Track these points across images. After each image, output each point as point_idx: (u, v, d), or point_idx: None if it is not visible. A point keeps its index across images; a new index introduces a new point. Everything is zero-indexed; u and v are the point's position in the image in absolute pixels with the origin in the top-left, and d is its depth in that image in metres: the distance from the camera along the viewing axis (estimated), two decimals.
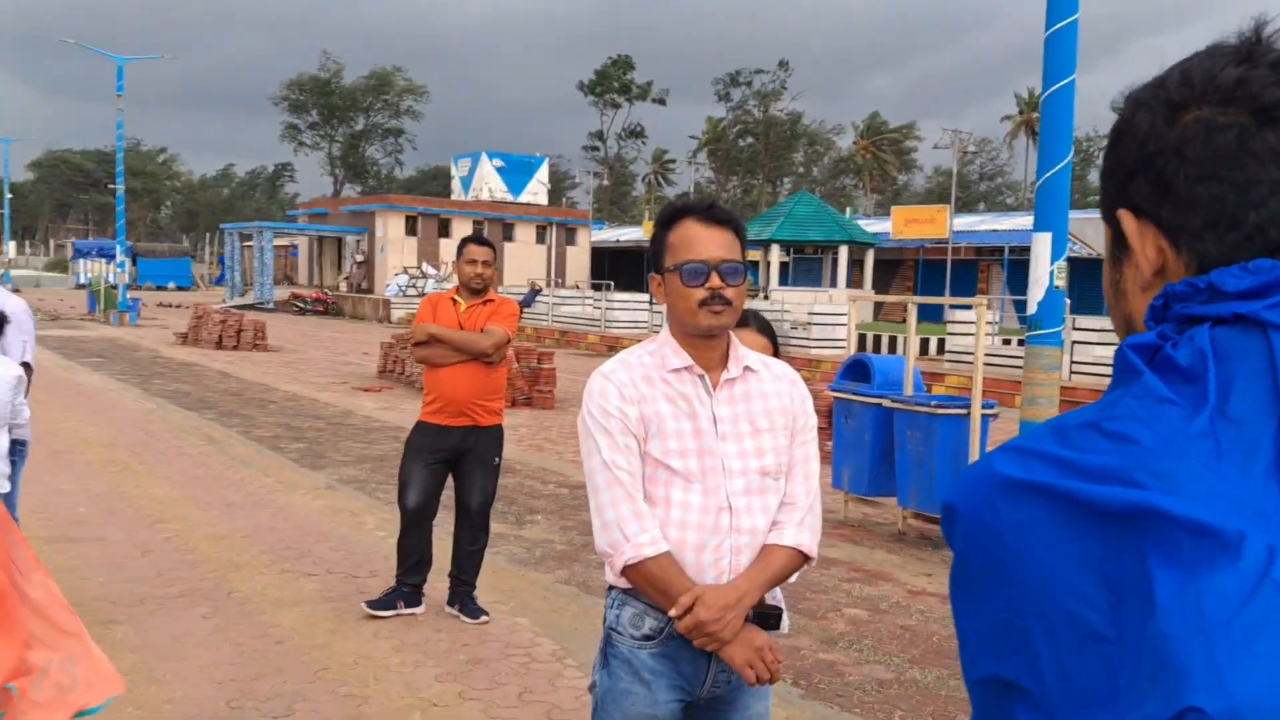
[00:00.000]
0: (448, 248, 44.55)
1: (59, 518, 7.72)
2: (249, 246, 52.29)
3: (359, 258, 49.01)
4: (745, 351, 2.53)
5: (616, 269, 51.57)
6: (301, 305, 43.59)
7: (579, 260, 51.99)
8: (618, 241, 53.60)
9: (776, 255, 33.45)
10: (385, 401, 15.68)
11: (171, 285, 61.28)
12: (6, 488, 4.64)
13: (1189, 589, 0.66)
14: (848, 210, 53.64)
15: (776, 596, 2.52)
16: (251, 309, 38.60)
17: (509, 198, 52.14)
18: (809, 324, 24.90)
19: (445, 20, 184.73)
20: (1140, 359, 0.79)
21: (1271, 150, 0.79)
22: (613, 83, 79.07)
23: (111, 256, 42.36)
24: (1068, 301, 11.28)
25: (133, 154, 79.83)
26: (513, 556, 7.20)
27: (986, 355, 12.02)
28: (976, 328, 8.18)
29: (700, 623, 2.26)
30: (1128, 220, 0.86)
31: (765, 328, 3.29)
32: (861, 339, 24.84)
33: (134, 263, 53.64)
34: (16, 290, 5.66)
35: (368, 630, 5.56)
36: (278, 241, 53.75)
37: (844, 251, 32.48)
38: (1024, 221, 33.28)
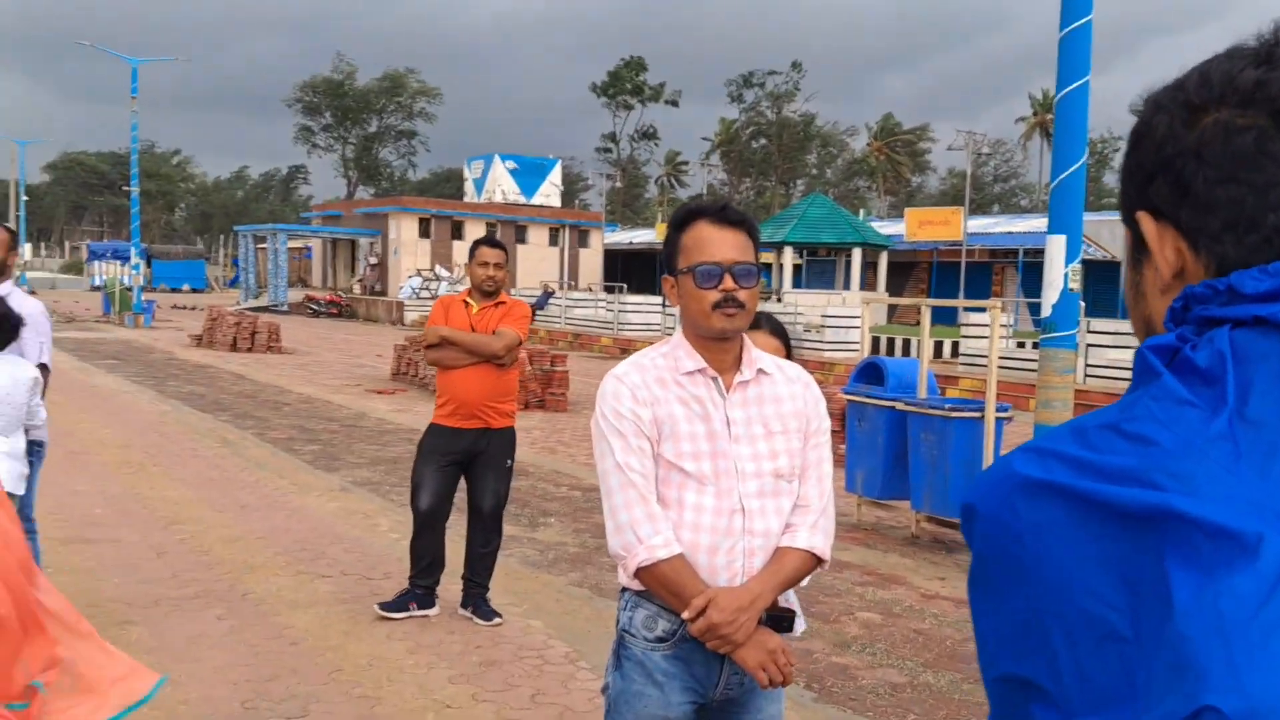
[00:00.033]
0: (461, 250, 44.57)
1: (74, 519, 7.76)
2: (263, 249, 52.45)
3: (373, 260, 49.14)
4: (759, 354, 2.52)
5: (629, 271, 51.58)
6: (315, 307, 43.71)
7: (592, 262, 52.01)
8: (630, 244, 53.60)
9: (790, 257, 33.39)
10: (399, 404, 15.72)
11: (186, 287, 61.53)
12: (23, 488, 4.67)
13: (1207, 590, 0.66)
14: (861, 212, 53.50)
15: (790, 599, 2.51)
16: (266, 311, 38.73)
17: (522, 200, 52.18)
18: (822, 326, 24.86)
19: (458, 22, 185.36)
20: (1159, 360, 0.79)
21: None
22: (625, 84, 79.10)
23: (126, 258, 42.59)
24: (1082, 304, 11.23)
25: (147, 156, 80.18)
26: (526, 559, 7.20)
27: (1001, 358, 11.98)
28: (991, 330, 8.16)
29: (713, 625, 2.26)
30: (1147, 222, 0.86)
31: (778, 330, 3.29)
32: (875, 341, 24.78)
33: (149, 265, 53.92)
34: (32, 292, 5.68)
35: (381, 632, 5.58)
36: (292, 244, 53.93)
37: (857, 254, 32.40)
38: (1038, 224, 33.15)
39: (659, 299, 31.53)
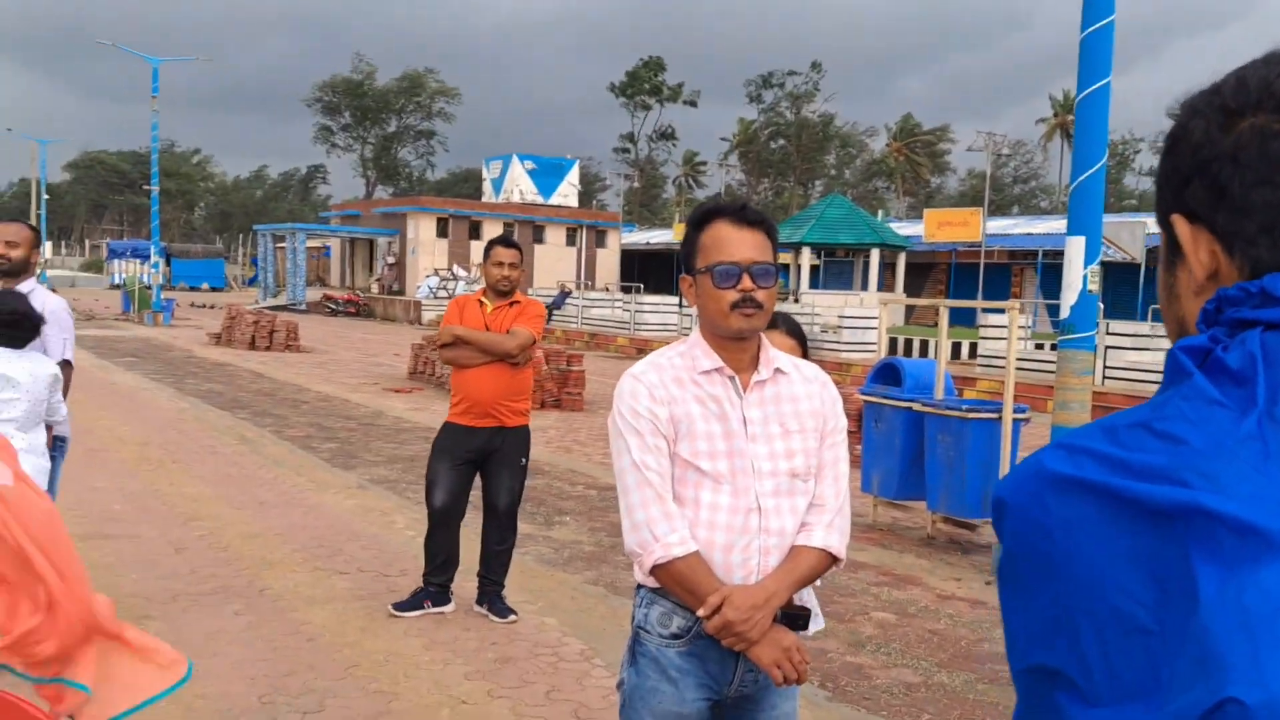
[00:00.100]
0: (478, 250, 44.65)
1: (94, 515, 7.81)
2: (282, 248, 52.73)
3: (390, 259, 49.31)
4: (776, 353, 2.52)
5: (646, 271, 51.59)
6: (333, 306, 43.88)
7: (609, 262, 52.06)
8: (648, 244, 53.61)
9: (808, 258, 33.35)
10: (415, 403, 15.77)
11: (205, 286, 61.89)
12: (44, 483, 4.70)
13: (1231, 585, 0.66)
14: (880, 213, 53.37)
15: (805, 598, 2.51)
16: (284, 310, 38.91)
17: (539, 200, 52.28)
18: (840, 327, 24.81)
19: (477, 22, 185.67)
20: (1191, 361, 0.79)
21: None
22: (644, 84, 79.08)
23: (146, 257, 42.86)
24: (1101, 306, 11.20)
25: (167, 155, 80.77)
26: (541, 557, 7.21)
27: (1019, 359, 11.94)
28: (1009, 331, 8.12)
29: (728, 622, 2.26)
30: (1181, 225, 0.86)
31: (794, 330, 3.29)
32: (892, 342, 24.73)
33: (168, 263, 54.26)
34: (53, 290, 5.73)
35: (398, 628, 5.60)
36: (310, 243, 54.19)
37: (875, 254, 32.33)
38: (1058, 225, 33.00)
39: (676, 299, 31.53)
